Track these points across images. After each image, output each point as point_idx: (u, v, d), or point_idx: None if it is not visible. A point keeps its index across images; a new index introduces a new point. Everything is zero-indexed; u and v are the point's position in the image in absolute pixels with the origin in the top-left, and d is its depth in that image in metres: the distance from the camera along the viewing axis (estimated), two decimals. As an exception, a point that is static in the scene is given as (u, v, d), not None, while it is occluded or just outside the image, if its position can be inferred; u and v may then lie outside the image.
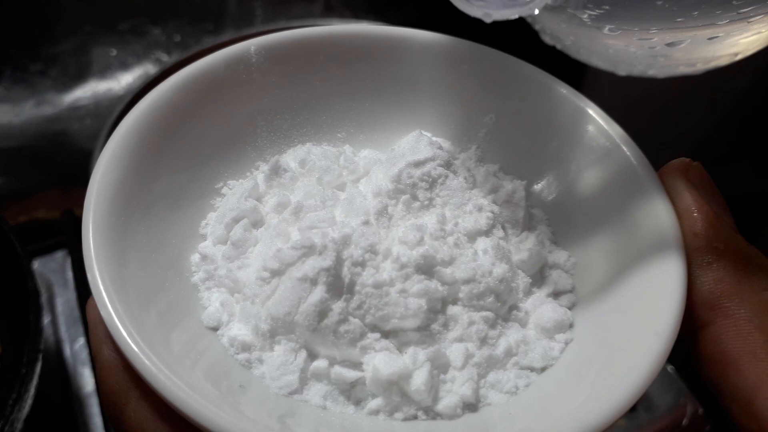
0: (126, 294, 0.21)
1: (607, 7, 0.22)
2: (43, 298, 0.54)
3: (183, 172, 0.26)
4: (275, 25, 0.54)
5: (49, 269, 0.55)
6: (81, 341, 0.50)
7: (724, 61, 0.25)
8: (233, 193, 0.27)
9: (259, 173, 0.28)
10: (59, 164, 0.61)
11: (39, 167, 0.61)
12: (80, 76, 0.63)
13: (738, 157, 0.65)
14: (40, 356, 0.42)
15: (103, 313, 0.20)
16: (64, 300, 0.53)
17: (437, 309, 0.23)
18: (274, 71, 0.28)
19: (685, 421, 0.46)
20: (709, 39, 0.23)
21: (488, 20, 0.22)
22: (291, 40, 0.28)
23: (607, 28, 0.23)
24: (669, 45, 0.24)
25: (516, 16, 0.22)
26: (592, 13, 0.22)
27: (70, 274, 0.53)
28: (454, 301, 0.24)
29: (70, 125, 0.62)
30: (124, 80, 0.64)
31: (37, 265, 0.55)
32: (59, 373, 0.49)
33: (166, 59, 0.57)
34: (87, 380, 0.48)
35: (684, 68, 0.25)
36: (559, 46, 0.26)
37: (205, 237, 0.26)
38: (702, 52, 0.24)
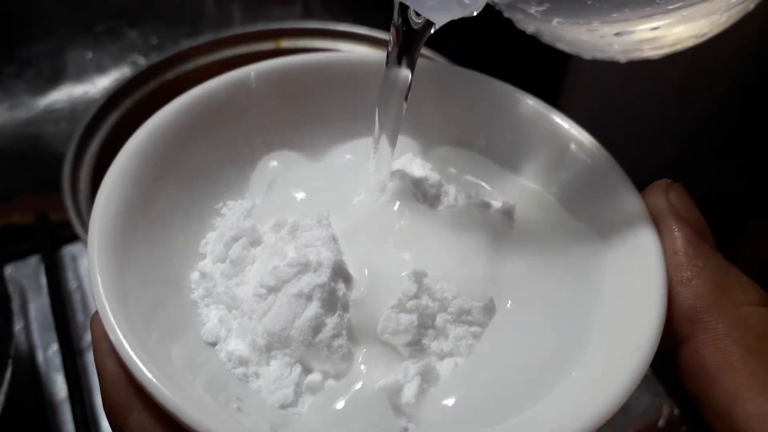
0: (128, 310, 0.21)
1: (548, 5, 0.22)
2: (16, 304, 0.53)
3: (184, 193, 0.27)
4: (253, 27, 0.54)
5: (23, 274, 0.54)
6: (54, 347, 0.49)
7: (689, 43, 0.26)
8: (232, 213, 0.28)
9: (257, 195, 0.29)
10: (34, 168, 0.60)
11: (13, 171, 0.60)
12: (55, 78, 0.63)
13: (718, 157, 0.65)
14: (10, 362, 0.41)
15: (107, 328, 0.21)
16: (38, 306, 0.52)
17: (428, 324, 0.24)
18: (273, 96, 0.29)
19: (661, 422, 0.46)
20: (652, 29, 0.24)
21: (436, 23, 0.23)
22: (290, 67, 0.29)
23: (555, 21, 0.24)
24: (617, 35, 0.24)
25: (458, 17, 0.22)
26: (538, 8, 0.23)
27: (43, 280, 0.52)
28: (442, 313, 0.25)
29: (44, 129, 0.61)
30: (100, 83, 0.63)
31: (10, 270, 0.54)
32: (32, 379, 0.48)
33: (143, 62, 0.56)
34: (60, 387, 0.48)
35: (649, 52, 0.26)
36: (528, 32, 0.27)
37: (204, 255, 0.27)
38: (655, 41, 0.25)
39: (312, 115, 0.30)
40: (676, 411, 0.47)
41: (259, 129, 0.29)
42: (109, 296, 0.21)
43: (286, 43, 0.54)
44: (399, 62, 0.24)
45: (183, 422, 0.19)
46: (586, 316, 0.25)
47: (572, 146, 0.28)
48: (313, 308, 0.23)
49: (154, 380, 0.20)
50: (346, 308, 0.24)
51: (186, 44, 0.54)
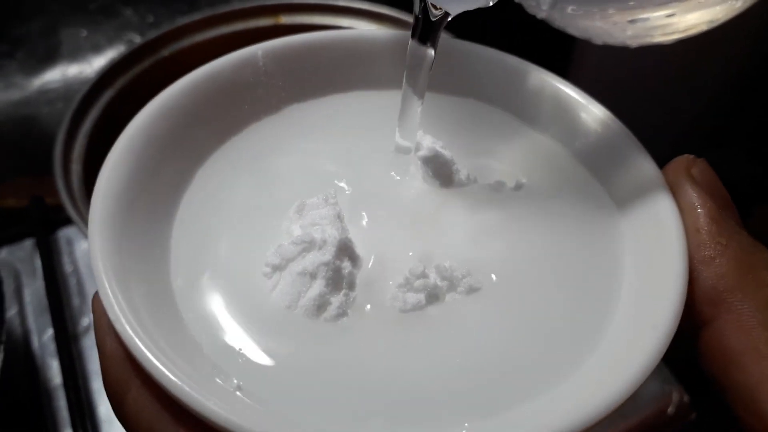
0: (128, 287, 0.21)
1: None
2: (10, 288, 0.52)
3: (186, 173, 0.27)
4: (251, 3, 0.53)
5: (17, 258, 0.53)
6: (49, 332, 0.49)
7: (702, 28, 0.25)
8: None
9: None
10: (29, 150, 0.59)
11: (7, 153, 0.59)
12: (49, 58, 0.61)
13: (728, 141, 0.64)
14: (3, 347, 0.41)
15: (105, 305, 0.20)
16: (32, 290, 0.51)
17: (436, 303, 0.24)
18: (280, 74, 0.29)
19: (670, 409, 0.45)
20: (668, 16, 0.24)
21: (452, 14, 0.24)
22: (298, 45, 0.29)
23: (569, 9, 0.24)
24: (631, 22, 0.24)
25: (473, 8, 0.23)
26: None
27: (38, 264, 0.51)
28: (451, 292, 0.24)
29: (39, 110, 0.60)
30: (96, 63, 0.62)
31: (4, 253, 0.53)
32: (26, 364, 0.47)
33: (139, 41, 0.55)
34: (55, 372, 0.47)
35: (660, 38, 0.25)
36: (539, 18, 0.26)
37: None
38: (668, 27, 0.24)
39: (318, 93, 0.30)
40: (686, 398, 0.46)
41: (266, 108, 0.29)
42: (109, 273, 0.21)
43: (285, 19, 0.52)
44: (423, 43, 0.25)
45: (180, 400, 0.19)
46: (604, 295, 0.24)
47: (586, 117, 0.27)
48: (318, 286, 0.23)
49: (151, 357, 0.19)
50: (351, 287, 0.23)
51: (181, 21, 0.52)
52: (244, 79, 0.28)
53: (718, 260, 0.22)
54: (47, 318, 0.48)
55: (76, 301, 0.51)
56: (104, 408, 0.45)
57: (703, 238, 0.23)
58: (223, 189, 0.26)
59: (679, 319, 0.21)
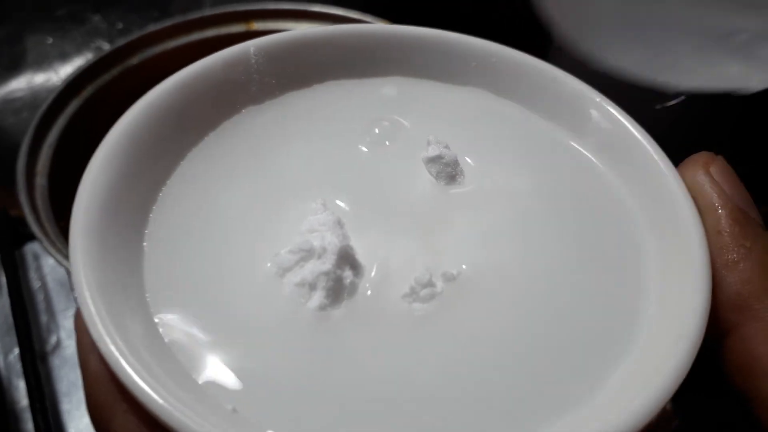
0: (112, 302, 0.20)
1: None
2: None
3: (169, 176, 0.25)
4: (223, 9, 0.51)
5: (-19, 274, 0.51)
6: (15, 352, 0.47)
7: None
8: None
9: None
10: (-6, 161, 0.57)
11: (-29, 164, 0.57)
12: (14, 66, 0.59)
13: (711, 139, 0.64)
14: (-36, 370, 0.39)
15: (87, 322, 0.19)
16: (-3, 307, 0.49)
17: None
18: (272, 72, 0.27)
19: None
20: None
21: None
22: (291, 41, 0.28)
23: None
24: None
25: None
26: None
27: (2, 279, 0.49)
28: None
29: (4, 119, 0.58)
30: (62, 71, 0.60)
31: (-33, 269, 0.51)
32: (-9, 386, 0.45)
33: (108, 48, 0.53)
34: (21, 394, 0.45)
35: None
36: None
37: None
38: None
39: (311, 92, 0.28)
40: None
41: (255, 101, 0.27)
42: (92, 287, 0.19)
43: (257, 25, 0.51)
44: None
45: (171, 427, 0.17)
46: (623, 306, 0.23)
47: (599, 113, 0.26)
48: (318, 298, 0.21)
49: (138, 379, 0.18)
50: (354, 297, 0.22)
51: (152, 27, 0.51)
52: (234, 76, 0.26)
53: (742, 264, 0.21)
54: (13, 337, 0.47)
55: (43, 318, 0.49)
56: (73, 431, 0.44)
57: (726, 240, 0.21)
58: (214, 194, 0.25)
59: (704, 328, 0.20)
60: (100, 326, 0.19)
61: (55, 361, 0.47)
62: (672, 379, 0.19)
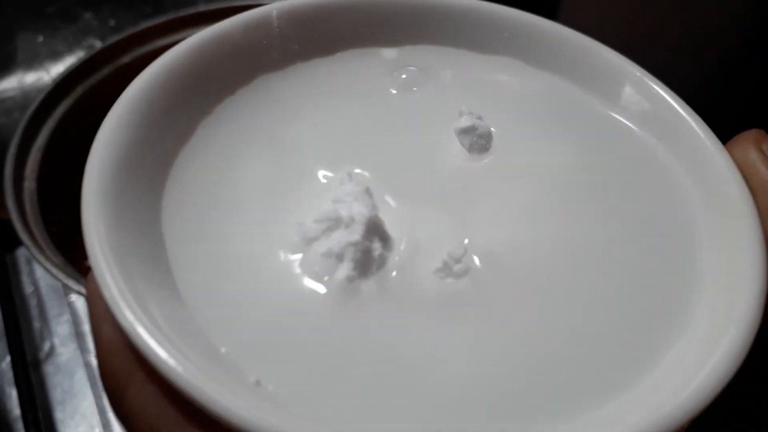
0: (127, 266, 0.18)
1: None
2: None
3: (186, 138, 0.24)
4: (216, 5, 0.50)
5: (-28, 279, 0.50)
6: (7, 359, 0.45)
7: None
8: None
9: None
10: (-16, 163, 0.55)
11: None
12: (4, 65, 0.58)
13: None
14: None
15: (101, 285, 0.18)
16: (-11, 313, 0.48)
17: None
18: (295, 38, 0.26)
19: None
20: None
21: None
22: (316, 6, 0.26)
23: None
24: None
25: None
26: None
27: (-6, 284, 0.48)
28: None
29: (-5, 119, 0.57)
30: (54, 70, 0.59)
31: (-42, 275, 0.50)
32: (-18, 395, 0.44)
33: (99, 46, 0.52)
34: (13, 403, 0.44)
35: None
36: None
37: None
38: None
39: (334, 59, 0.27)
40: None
41: (279, 75, 0.26)
42: (105, 249, 0.18)
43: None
44: None
45: (190, 396, 0.16)
46: (674, 289, 0.22)
47: (633, 86, 0.25)
48: (345, 269, 0.20)
49: (156, 347, 0.16)
50: (383, 270, 0.21)
51: (144, 24, 0.49)
52: (255, 40, 0.25)
53: None
54: (4, 344, 0.45)
55: (36, 324, 0.48)
56: (66, 441, 0.43)
57: None
58: (235, 159, 0.24)
59: (761, 313, 0.19)
60: (114, 290, 0.17)
61: (49, 369, 0.46)
62: (725, 367, 0.18)
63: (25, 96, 0.57)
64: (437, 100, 0.26)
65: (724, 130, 0.24)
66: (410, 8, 0.27)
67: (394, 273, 0.21)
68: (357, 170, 0.23)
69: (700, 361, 0.19)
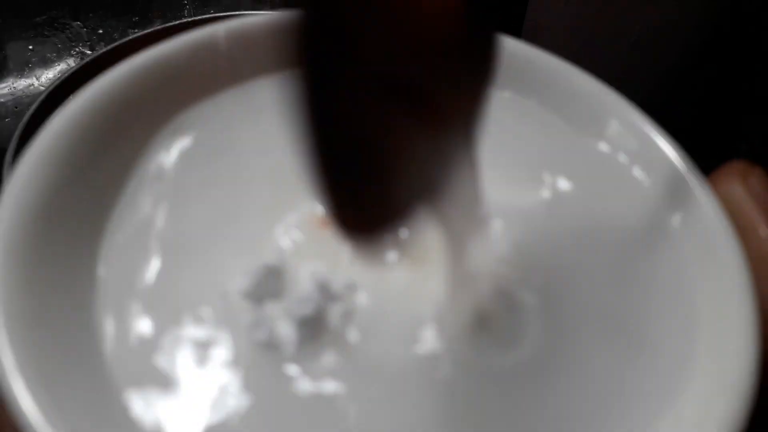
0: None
1: None
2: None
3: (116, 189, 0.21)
4: (205, 15, 0.52)
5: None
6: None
7: None
8: None
9: None
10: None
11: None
12: (-5, 73, 0.59)
13: (674, 126, 0.64)
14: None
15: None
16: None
17: None
18: (243, 59, 0.24)
19: None
20: None
21: None
22: (264, 26, 0.24)
23: None
24: None
25: None
26: None
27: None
28: None
29: (-13, 126, 0.58)
30: (44, 77, 0.60)
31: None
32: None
33: (90, 53, 0.54)
34: None
35: None
36: None
37: None
38: None
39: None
40: None
41: (226, 97, 0.24)
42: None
43: (238, 32, 0.52)
44: None
45: None
46: (659, 345, 0.19)
47: (621, 121, 0.23)
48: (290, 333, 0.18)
49: None
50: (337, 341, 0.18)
51: (134, 34, 0.51)
52: (200, 62, 0.23)
53: None
54: None
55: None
56: None
57: None
58: (176, 204, 0.21)
59: (756, 377, 0.17)
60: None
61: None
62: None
63: (16, 102, 0.59)
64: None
65: (684, 127, 0.24)
66: None
67: (353, 343, 0.18)
68: (309, 205, 0.20)
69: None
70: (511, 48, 0.24)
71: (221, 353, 0.18)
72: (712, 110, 0.60)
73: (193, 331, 0.18)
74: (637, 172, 0.23)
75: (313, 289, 0.18)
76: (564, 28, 0.53)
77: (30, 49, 0.61)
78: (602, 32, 0.56)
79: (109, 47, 0.50)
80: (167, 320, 0.18)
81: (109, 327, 0.18)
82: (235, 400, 0.17)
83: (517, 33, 0.54)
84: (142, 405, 0.16)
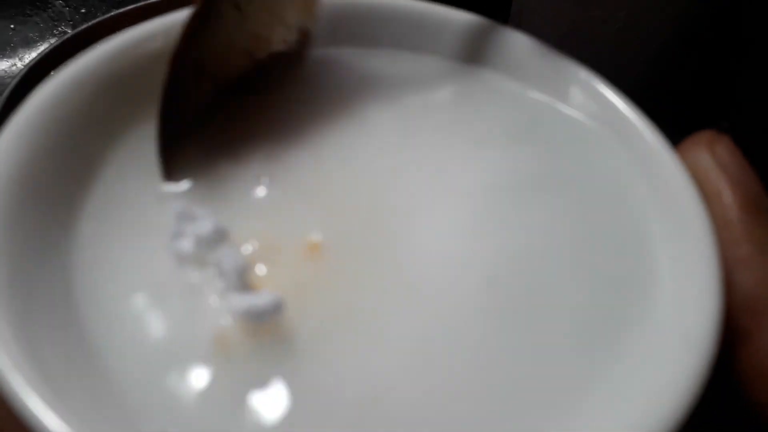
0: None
1: None
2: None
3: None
4: (187, -8, 0.51)
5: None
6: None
7: None
8: None
9: None
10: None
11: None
12: (-24, 53, 0.58)
13: (657, 116, 0.64)
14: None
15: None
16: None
17: None
18: None
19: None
20: None
21: None
22: None
23: None
24: None
25: None
26: None
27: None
28: None
29: (-33, 108, 0.57)
30: (26, 57, 0.59)
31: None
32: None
33: (69, 33, 0.52)
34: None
35: None
36: None
37: None
38: None
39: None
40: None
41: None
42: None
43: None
44: None
45: None
46: (621, 305, 0.20)
47: (578, 87, 0.23)
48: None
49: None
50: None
51: (115, 11, 0.50)
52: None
53: (754, 261, 0.18)
54: None
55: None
56: None
57: (736, 234, 0.19)
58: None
59: (717, 337, 0.17)
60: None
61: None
62: (682, 396, 0.16)
63: (-2, 83, 0.58)
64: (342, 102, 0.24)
65: (665, 117, 0.23)
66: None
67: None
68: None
69: (652, 394, 0.17)
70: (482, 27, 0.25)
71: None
72: (699, 93, 0.60)
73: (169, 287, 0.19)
74: (604, 140, 0.23)
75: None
76: (551, 12, 0.53)
77: (12, 28, 0.60)
78: (589, 16, 0.55)
79: (90, 23, 0.49)
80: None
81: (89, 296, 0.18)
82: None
83: (504, 17, 0.54)
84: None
